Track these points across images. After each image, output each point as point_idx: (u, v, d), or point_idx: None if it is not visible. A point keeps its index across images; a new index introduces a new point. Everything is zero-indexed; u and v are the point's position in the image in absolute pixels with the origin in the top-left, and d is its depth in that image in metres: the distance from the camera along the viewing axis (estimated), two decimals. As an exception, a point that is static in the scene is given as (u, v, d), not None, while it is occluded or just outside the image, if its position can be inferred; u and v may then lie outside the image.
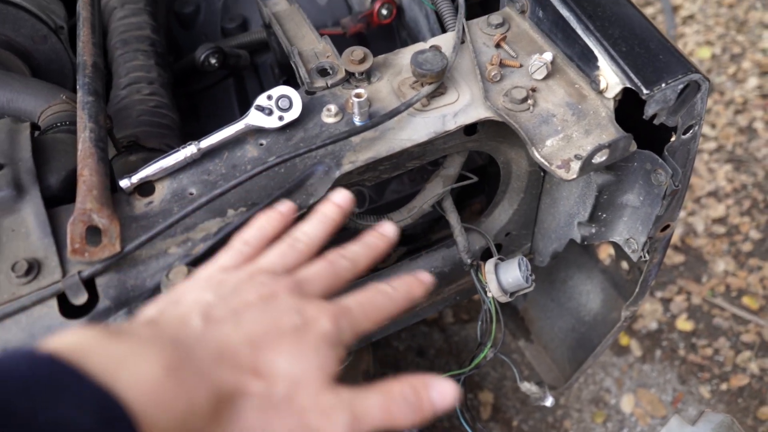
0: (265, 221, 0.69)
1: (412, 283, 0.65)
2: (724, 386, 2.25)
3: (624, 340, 2.38)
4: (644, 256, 1.08)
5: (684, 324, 2.41)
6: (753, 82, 3.12)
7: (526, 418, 2.21)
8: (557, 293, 1.61)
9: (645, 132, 0.93)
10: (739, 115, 3.00)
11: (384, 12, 1.46)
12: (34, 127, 0.93)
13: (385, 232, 0.69)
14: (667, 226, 1.10)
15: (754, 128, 2.95)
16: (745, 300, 2.44)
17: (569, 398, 2.26)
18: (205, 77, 1.49)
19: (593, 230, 1.11)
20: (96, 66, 0.95)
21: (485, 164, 1.31)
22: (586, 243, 1.13)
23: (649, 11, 3.55)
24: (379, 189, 1.40)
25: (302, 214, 0.84)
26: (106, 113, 0.91)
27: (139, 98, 1.18)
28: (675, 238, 2.61)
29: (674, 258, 2.57)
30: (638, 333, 2.40)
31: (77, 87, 0.91)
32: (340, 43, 1.46)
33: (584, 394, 2.27)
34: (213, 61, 1.38)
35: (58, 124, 0.95)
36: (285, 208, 0.72)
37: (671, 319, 2.43)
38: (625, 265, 1.40)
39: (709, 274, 2.53)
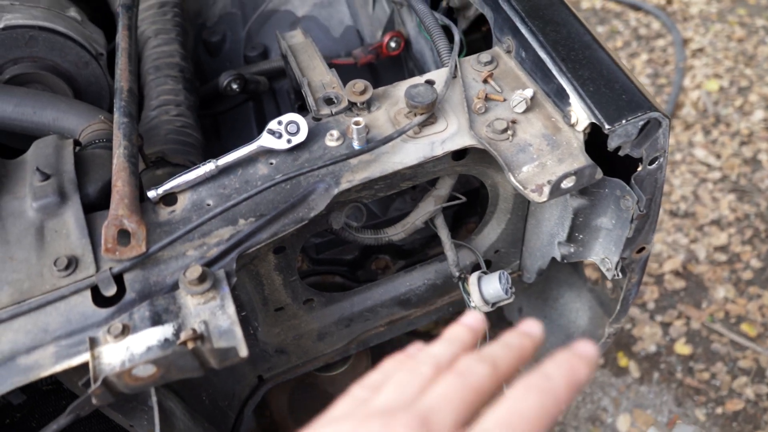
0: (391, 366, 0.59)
1: (573, 364, 0.49)
2: (719, 410, 2.31)
3: (623, 361, 2.45)
4: (617, 275, 1.18)
5: (682, 348, 2.47)
6: (759, 114, 3.19)
7: (523, 433, 2.29)
8: (550, 311, 1.71)
9: (617, 163, 1.04)
10: (745, 146, 3.08)
11: (393, 44, 1.59)
12: (76, 143, 1.07)
13: (530, 331, 0.56)
14: (643, 249, 1.20)
15: (759, 159, 3.02)
16: (744, 327, 2.50)
17: (567, 416, 2.33)
18: (227, 100, 1.63)
19: (572, 249, 1.21)
20: (131, 91, 1.09)
21: (479, 187, 1.43)
22: (565, 261, 1.24)
23: (660, 43, 3.65)
24: (383, 206, 1.52)
25: (303, 225, 0.97)
26: (138, 133, 1.05)
27: (167, 119, 1.33)
28: (677, 264, 2.69)
29: (675, 283, 2.64)
30: (637, 355, 2.47)
31: (114, 109, 1.04)
32: (352, 72, 1.60)
33: (582, 412, 2.34)
34: (234, 86, 1.52)
35: (97, 141, 1.09)
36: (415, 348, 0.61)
37: (670, 342, 2.50)
38: (609, 285, 1.50)
39: (709, 300, 2.59)
